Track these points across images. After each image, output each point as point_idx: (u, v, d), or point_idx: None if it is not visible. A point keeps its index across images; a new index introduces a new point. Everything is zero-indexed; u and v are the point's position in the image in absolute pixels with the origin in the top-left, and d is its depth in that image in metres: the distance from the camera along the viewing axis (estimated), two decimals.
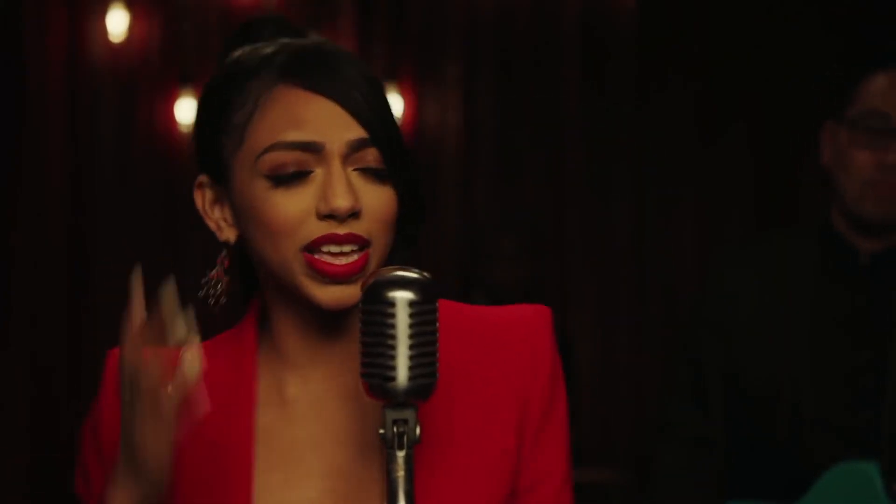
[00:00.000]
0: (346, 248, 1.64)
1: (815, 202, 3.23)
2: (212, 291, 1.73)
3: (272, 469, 1.69)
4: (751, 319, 3.11)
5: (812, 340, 3.06)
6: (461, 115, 5.89)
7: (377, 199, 1.66)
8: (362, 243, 1.65)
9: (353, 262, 1.64)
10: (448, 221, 5.84)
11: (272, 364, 1.73)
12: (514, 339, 1.74)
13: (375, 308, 1.44)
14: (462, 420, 1.69)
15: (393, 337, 1.43)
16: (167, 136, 5.69)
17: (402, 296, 1.44)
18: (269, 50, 1.69)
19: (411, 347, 1.43)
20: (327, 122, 1.65)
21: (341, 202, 1.63)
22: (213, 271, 1.74)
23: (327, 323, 1.70)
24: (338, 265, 1.63)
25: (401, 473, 1.43)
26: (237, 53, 1.71)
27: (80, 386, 5.60)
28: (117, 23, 5.63)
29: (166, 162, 5.69)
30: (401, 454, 1.44)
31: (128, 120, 5.69)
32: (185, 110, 5.66)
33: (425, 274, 1.47)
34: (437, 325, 1.46)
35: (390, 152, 1.68)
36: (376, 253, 1.66)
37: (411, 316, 1.43)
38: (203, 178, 1.75)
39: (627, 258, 5.95)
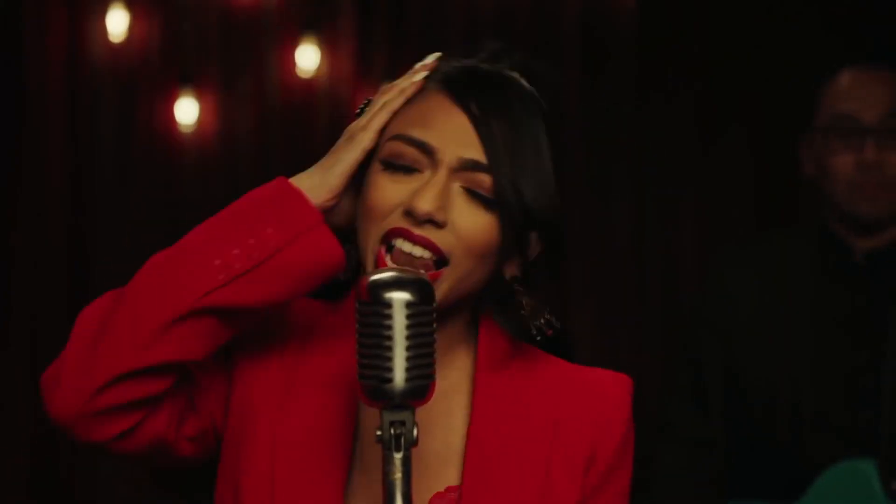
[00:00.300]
0: (418, 252, 1.64)
1: (814, 203, 3.23)
2: (343, 275, 1.76)
3: (367, 469, 1.69)
4: (750, 319, 3.11)
5: (811, 340, 3.06)
6: None
7: (471, 221, 1.68)
8: (437, 253, 1.66)
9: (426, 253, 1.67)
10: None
11: None
12: (596, 398, 1.76)
13: (372, 309, 1.44)
14: (532, 467, 1.70)
15: (390, 338, 1.43)
16: (167, 136, 5.69)
17: (399, 297, 1.44)
18: (455, 62, 1.80)
19: (408, 349, 1.43)
20: (452, 134, 1.70)
21: (423, 204, 1.66)
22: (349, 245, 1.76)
23: None
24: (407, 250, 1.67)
25: (398, 475, 1.43)
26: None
27: None
28: (117, 23, 5.62)
29: (166, 162, 5.68)
30: (398, 456, 1.44)
31: (128, 120, 5.68)
32: (185, 110, 5.66)
33: (423, 275, 1.47)
34: (435, 326, 1.46)
35: (506, 185, 1.68)
36: (453, 275, 1.67)
37: (408, 317, 1.43)
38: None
39: (627, 258, 5.94)
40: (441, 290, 1.65)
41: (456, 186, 1.69)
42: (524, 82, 1.78)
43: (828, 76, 3.12)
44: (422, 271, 1.50)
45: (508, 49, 1.82)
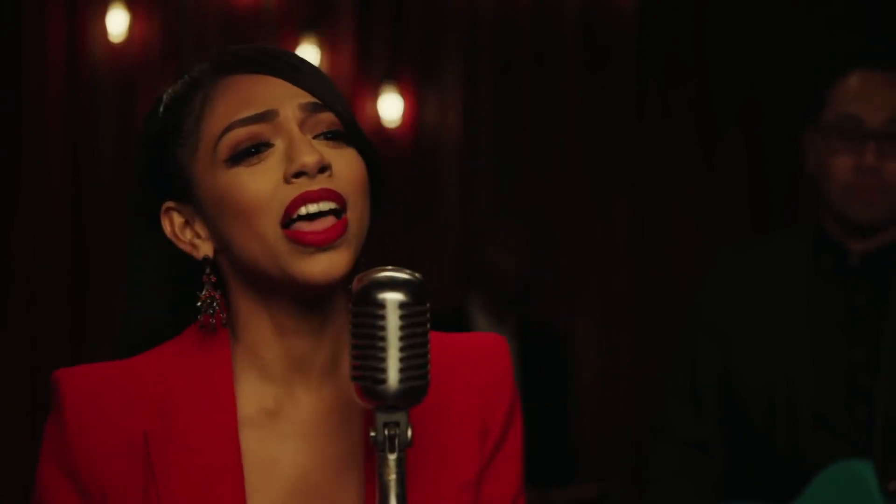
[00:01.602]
0: (324, 207, 1.60)
1: (812, 203, 3.22)
2: (210, 311, 1.67)
3: (261, 490, 1.66)
4: (747, 321, 3.11)
5: (808, 341, 3.06)
6: (461, 115, 5.88)
7: (344, 161, 1.64)
8: (339, 201, 1.62)
9: (332, 227, 1.60)
10: (448, 221, 5.84)
11: (250, 378, 1.69)
12: (476, 367, 1.72)
13: (366, 310, 1.43)
14: (428, 448, 1.67)
15: (383, 339, 1.42)
16: None
17: (392, 297, 1.43)
18: (208, 62, 1.72)
19: (402, 350, 1.42)
20: (277, 93, 1.65)
21: (308, 157, 1.61)
22: (203, 292, 1.67)
23: (307, 329, 1.67)
24: (318, 231, 1.60)
25: (392, 476, 1.43)
26: (171, 87, 1.73)
27: None
28: (117, 23, 5.62)
29: None
30: (392, 457, 1.43)
31: (128, 120, 5.68)
32: None
33: (416, 275, 1.47)
34: (428, 326, 1.45)
35: (346, 115, 1.66)
36: (354, 217, 1.63)
37: (402, 318, 1.42)
38: (167, 203, 1.69)
39: (627, 258, 5.95)
40: (352, 240, 1.62)
41: (309, 138, 1.64)
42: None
43: (838, 74, 3.10)
44: (417, 274, 1.49)
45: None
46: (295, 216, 1.61)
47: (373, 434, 1.45)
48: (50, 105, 5.60)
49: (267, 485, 1.66)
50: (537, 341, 5.16)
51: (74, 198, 5.63)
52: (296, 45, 5.72)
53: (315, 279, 1.61)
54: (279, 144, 1.64)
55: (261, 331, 1.68)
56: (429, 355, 1.47)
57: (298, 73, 1.67)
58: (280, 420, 1.68)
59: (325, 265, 1.60)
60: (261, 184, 1.62)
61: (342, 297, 1.66)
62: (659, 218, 5.94)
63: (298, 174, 1.61)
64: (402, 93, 5.80)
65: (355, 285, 1.47)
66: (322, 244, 1.60)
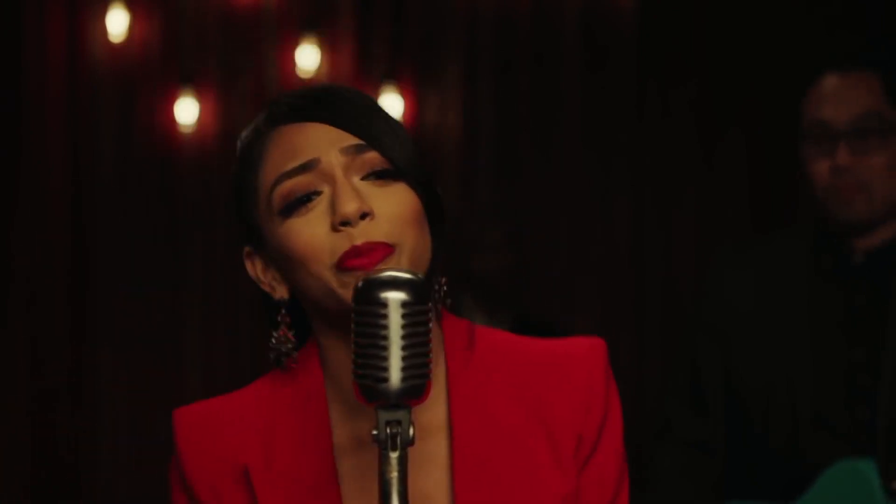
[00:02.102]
0: (375, 259, 1.63)
1: (813, 202, 3.23)
2: (283, 350, 1.73)
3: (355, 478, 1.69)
4: (748, 320, 3.11)
5: (808, 340, 3.06)
6: (461, 115, 5.88)
7: (390, 200, 1.67)
8: (385, 251, 1.65)
9: (379, 252, 1.64)
10: (447, 221, 5.83)
11: (339, 408, 1.73)
12: (569, 376, 1.73)
13: (367, 309, 1.44)
14: (520, 461, 1.68)
15: (385, 338, 1.43)
16: (167, 136, 5.69)
17: (394, 296, 1.44)
18: (263, 115, 1.76)
19: (404, 348, 1.43)
20: (319, 140, 1.68)
21: (347, 207, 1.64)
22: (278, 331, 1.74)
23: None
24: (365, 259, 1.63)
25: (394, 475, 1.43)
26: (244, 132, 1.79)
27: (81, 390, 5.60)
28: (117, 23, 5.62)
29: (166, 162, 5.68)
30: (394, 455, 1.44)
31: (128, 120, 5.69)
32: (185, 110, 5.66)
33: (418, 274, 1.48)
34: (430, 325, 1.46)
35: (390, 149, 1.68)
36: (404, 253, 1.66)
37: (404, 317, 1.43)
38: (247, 248, 1.77)
39: (627, 258, 5.95)
40: (402, 262, 1.65)
41: (356, 180, 1.67)
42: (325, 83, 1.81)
43: (810, 83, 3.14)
44: (419, 273, 1.50)
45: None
46: (345, 271, 1.65)
47: (375, 432, 1.45)
48: (50, 105, 5.60)
49: None
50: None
51: (74, 198, 5.64)
52: (296, 45, 5.72)
53: None
54: (326, 191, 1.68)
55: (340, 363, 1.71)
56: (430, 354, 1.48)
57: (340, 116, 1.69)
58: (370, 448, 1.68)
59: None
60: (312, 232, 1.67)
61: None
62: (659, 218, 5.94)
63: (343, 224, 1.65)
64: (402, 93, 5.80)
65: (356, 284, 1.48)
66: (369, 267, 1.63)
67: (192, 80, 5.67)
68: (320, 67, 5.75)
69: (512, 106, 5.91)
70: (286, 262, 1.70)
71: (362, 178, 1.68)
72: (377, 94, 5.79)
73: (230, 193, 1.80)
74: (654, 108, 5.92)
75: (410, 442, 1.45)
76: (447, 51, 5.88)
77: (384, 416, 1.44)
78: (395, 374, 1.44)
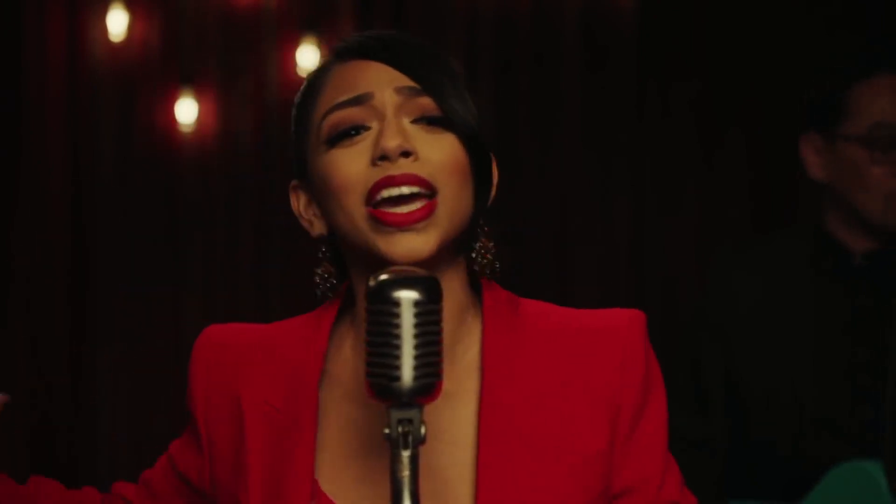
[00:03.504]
0: (406, 191, 1.65)
1: (814, 203, 3.22)
2: (327, 285, 1.79)
3: (333, 446, 1.74)
4: (751, 321, 3.11)
5: (812, 341, 3.06)
6: None
7: (437, 147, 1.69)
8: (425, 186, 1.66)
9: (417, 210, 1.65)
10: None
11: (348, 345, 1.78)
12: (607, 344, 1.76)
13: (380, 308, 1.44)
14: (551, 421, 1.70)
15: (398, 337, 1.43)
16: (167, 136, 5.69)
17: (407, 296, 1.44)
18: (330, 50, 1.79)
19: (416, 347, 1.44)
20: (377, 77, 1.71)
21: (389, 142, 1.66)
22: (321, 268, 1.79)
23: None
24: (400, 213, 1.65)
25: (406, 473, 1.44)
26: (310, 73, 1.82)
27: (80, 390, 5.60)
28: (117, 23, 5.62)
29: (166, 162, 5.68)
30: (406, 454, 1.44)
31: (128, 120, 5.68)
32: (185, 110, 5.66)
33: (430, 274, 1.48)
34: (442, 324, 1.46)
35: (444, 99, 1.70)
36: (446, 204, 1.68)
37: (416, 316, 1.44)
38: (294, 182, 1.80)
39: (627, 258, 5.95)
40: (441, 222, 1.67)
41: (406, 122, 1.69)
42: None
43: (854, 80, 3.07)
44: (428, 272, 1.50)
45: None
46: (378, 198, 1.67)
47: (386, 431, 1.46)
48: (50, 105, 5.60)
49: (339, 441, 1.71)
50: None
51: (74, 198, 5.63)
52: (296, 45, 5.72)
53: (397, 258, 1.67)
54: (375, 127, 1.70)
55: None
56: (442, 353, 1.48)
57: (401, 58, 1.71)
58: (360, 382, 1.74)
59: (407, 246, 1.64)
60: (351, 165, 1.69)
61: (459, 277, 1.74)
62: (659, 218, 5.94)
63: (382, 158, 1.67)
64: None
65: (369, 283, 1.48)
66: (402, 224, 1.66)
67: (192, 80, 5.67)
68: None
69: (512, 106, 5.91)
70: (324, 195, 1.72)
71: (413, 122, 1.70)
72: None
73: (292, 125, 1.81)
74: (654, 108, 5.92)
75: (422, 441, 1.46)
76: (447, 51, 5.87)
77: (396, 414, 1.44)
78: (407, 373, 1.45)
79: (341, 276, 1.81)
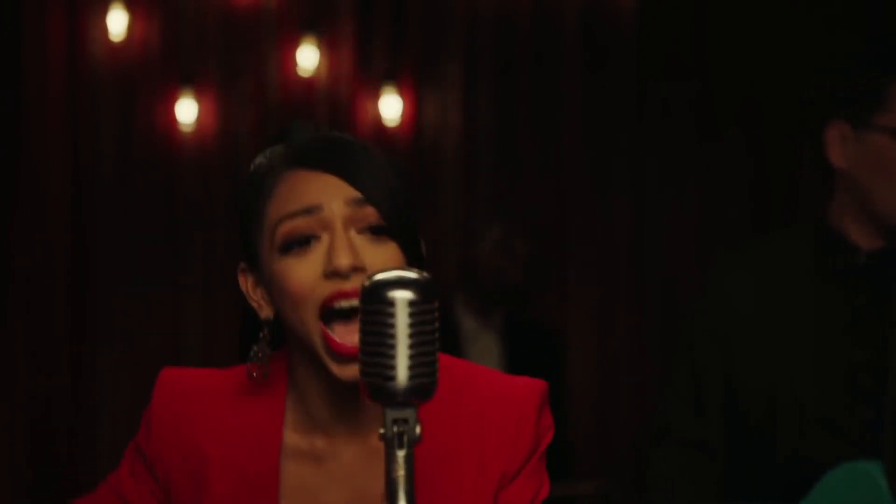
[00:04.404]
0: (356, 302, 1.70)
1: (814, 201, 3.21)
2: (259, 363, 1.87)
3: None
4: (750, 322, 3.10)
5: (812, 341, 3.05)
6: (461, 115, 5.89)
7: (381, 257, 1.79)
8: None
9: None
10: (448, 221, 5.84)
11: (299, 421, 1.88)
12: (504, 417, 1.86)
13: (375, 308, 1.44)
14: (445, 489, 1.81)
15: (392, 336, 1.43)
16: (167, 136, 5.69)
17: (401, 295, 1.44)
18: (280, 147, 1.88)
19: (411, 347, 1.43)
20: (326, 190, 1.81)
21: (342, 260, 1.76)
22: (257, 347, 1.88)
23: (352, 394, 1.81)
24: (348, 346, 1.76)
25: (401, 473, 1.43)
26: (259, 157, 1.90)
27: (80, 390, 5.60)
28: (117, 23, 5.62)
29: (166, 162, 5.69)
30: (401, 453, 1.44)
31: (128, 120, 5.69)
32: (185, 110, 5.67)
33: (424, 274, 1.48)
34: (437, 324, 1.46)
35: (388, 210, 1.81)
36: None
37: (411, 315, 1.43)
38: (243, 264, 1.91)
39: (627, 258, 5.95)
40: None
41: (353, 233, 1.80)
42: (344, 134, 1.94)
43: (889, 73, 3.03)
44: (425, 273, 1.51)
45: (312, 126, 1.94)
46: (331, 309, 1.78)
47: (382, 431, 1.46)
48: (50, 105, 5.60)
49: None
50: (526, 341, 5.17)
51: (74, 198, 5.63)
52: (296, 45, 5.72)
53: (343, 381, 1.79)
54: (325, 238, 1.80)
55: (310, 385, 1.87)
56: (437, 353, 1.48)
57: (348, 169, 1.82)
58: (323, 462, 1.87)
59: (354, 372, 1.69)
60: (305, 275, 1.80)
61: None
62: (659, 218, 5.94)
63: (332, 274, 1.78)
64: (402, 93, 5.80)
65: (364, 284, 1.48)
66: (354, 354, 1.72)
67: (192, 80, 5.67)
68: (320, 67, 5.75)
69: (512, 106, 5.92)
70: (276, 294, 1.83)
71: (359, 232, 1.80)
72: (377, 95, 5.79)
73: (235, 208, 1.91)
74: (654, 108, 5.92)
75: (417, 440, 1.45)
76: (447, 51, 5.88)
77: (391, 414, 1.44)
78: (402, 373, 1.44)
79: (276, 348, 1.92)
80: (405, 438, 1.44)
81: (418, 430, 1.46)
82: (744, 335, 3.09)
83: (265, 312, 1.87)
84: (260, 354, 1.86)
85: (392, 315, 1.44)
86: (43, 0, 5.60)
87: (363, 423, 1.84)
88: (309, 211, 1.79)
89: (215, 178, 5.71)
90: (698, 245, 5.86)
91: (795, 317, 3.06)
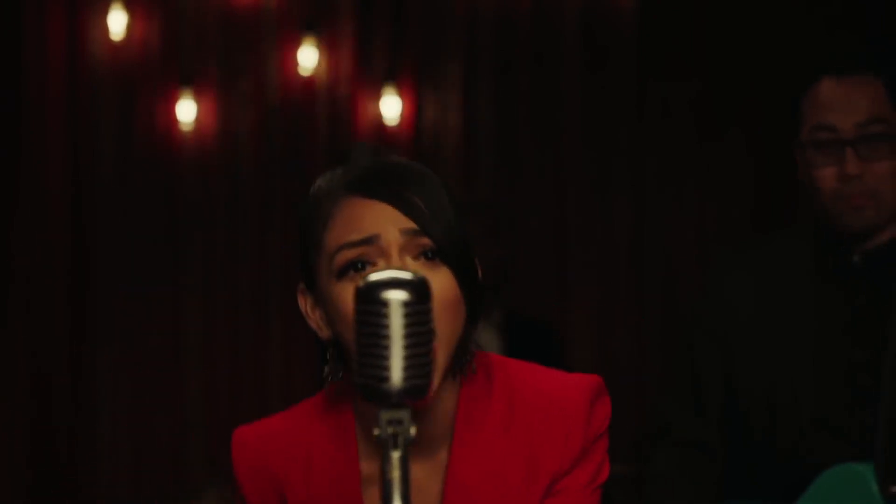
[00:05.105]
0: None
1: (816, 208, 3.21)
2: (333, 380, 1.93)
3: None
4: (749, 322, 3.10)
5: (810, 342, 3.05)
6: (461, 115, 5.88)
7: (435, 282, 1.78)
8: None
9: None
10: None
11: (371, 447, 1.92)
12: (555, 418, 1.93)
13: (369, 309, 1.44)
14: (504, 494, 1.88)
15: (387, 337, 1.43)
16: (167, 136, 5.69)
17: (395, 296, 1.44)
18: (340, 172, 1.93)
19: (405, 348, 1.43)
20: (383, 220, 1.87)
21: None
22: (327, 369, 1.93)
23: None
24: None
25: (396, 474, 1.43)
26: (319, 180, 1.96)
27: (80, 390, 5.60)
28: (117, 23, 5.63)
29: (166, 162, 5.69)
30: (396, 454, 1.44)
31: (128, 120, 5.69)
32: (185, 110, 5.67)
33: (419, 274, 1.48)
34: (431, 325, 1.46)
35: (442, 239, 1.87)
36: (443, 344, 1.82)
37: (405, 316, 1.43)
38: (301, 285, 1.96)
39: (627, 258, 5.95)
40: (439, 364, 1.80)
41: (408, 260, 1.86)
42: (403, 159, 1.98)
43: (807, 85, 3.11)
44: (419, 273, 1.52)
45: (375, 148, 1.99)
46: None
47: (376, 432, 1.45)
48: (50, 105, 5.60)
49: None
50: (525, 337, 5.16)
51: (74, 198, 5.64)
52: (296, 45, 5.72)
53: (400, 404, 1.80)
54: (381, 264, 1.86)
55: (372, 411, 1.86)
56: (432, 353, 1.48)
57: (403, 199, 1.88)
58: None
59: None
60: None
61: (452, 389, 1.92)
62: (659, 218, 5.94)
63: None
64: (402, 93, 5.80)
65: (358, 286, 1.48)
66: None
67: (192, 80, 5.67)
68: (320, 67, 5.75)
69: (512, 106, 5.91)
70: (333, 317, 1.88)
71: (414, 258, 1.86)
72: (377, 95, 5.79)
73: (299, 229, 1.96)
74: (654, 108, 5.92)
75: (411, 441, 1.45)
76: (447, 51, 5.88)
77: (386, 415, 1.44)
78: (396, 374, 1.44)
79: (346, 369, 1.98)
80: (399, 439, 1.44)
81: (413, 430, 1.46)
82: (743, 335, 3.09)
83: (324, 333, 1.92)
84: (330, 378, 1.92)
85: (386, 316, 1.44)
86: (43, 0, 5.60)
87: (425, 438, 1.87)
88: (367, 241, 1.85)
89: (215, 178, 5.71)
90: (698, 245, 5.86)
91: (795, 317, 3.05)
